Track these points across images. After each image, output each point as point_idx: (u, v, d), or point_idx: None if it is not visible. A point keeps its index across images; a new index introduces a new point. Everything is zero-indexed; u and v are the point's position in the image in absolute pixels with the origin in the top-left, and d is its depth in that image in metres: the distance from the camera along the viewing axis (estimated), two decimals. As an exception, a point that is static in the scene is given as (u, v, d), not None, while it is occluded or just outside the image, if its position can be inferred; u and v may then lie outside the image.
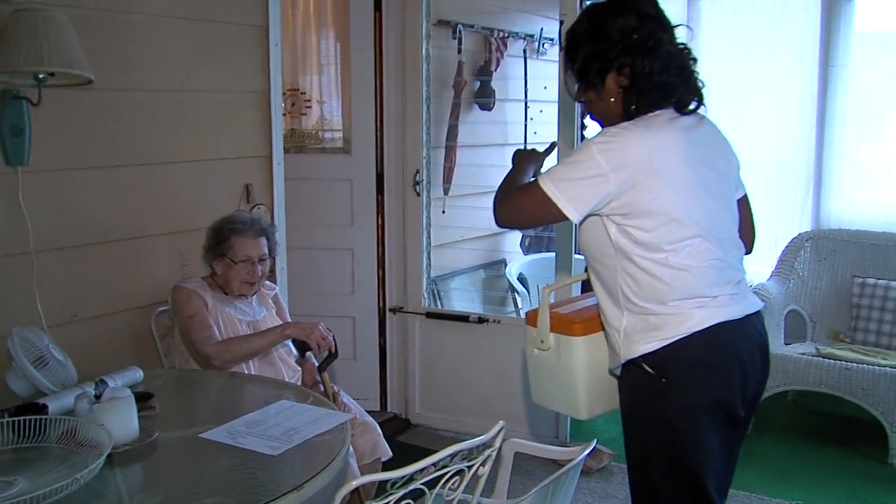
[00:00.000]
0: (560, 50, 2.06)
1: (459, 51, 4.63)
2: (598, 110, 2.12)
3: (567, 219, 1.99)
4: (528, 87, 5.23)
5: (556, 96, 3.93)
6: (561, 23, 3.80)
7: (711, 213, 2.02)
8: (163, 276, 3.21)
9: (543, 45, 5.30)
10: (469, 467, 1.87)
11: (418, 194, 4.39)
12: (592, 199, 1.95)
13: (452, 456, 1.80)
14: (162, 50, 3.16)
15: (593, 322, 2.22)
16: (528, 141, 5.21)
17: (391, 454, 3.01)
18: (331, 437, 2.08)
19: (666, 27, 2.03)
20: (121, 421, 2.03)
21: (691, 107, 2.05)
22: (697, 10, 5.18)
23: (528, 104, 5.25)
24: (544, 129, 5.09)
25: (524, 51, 5.22)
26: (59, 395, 2.24)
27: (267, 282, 3.19)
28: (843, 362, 4.14)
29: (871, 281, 4.51)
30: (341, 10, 4.56)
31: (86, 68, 2.62)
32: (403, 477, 1.71)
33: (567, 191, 1.95)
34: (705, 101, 2.08)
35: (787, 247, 4.76)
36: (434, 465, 1.76)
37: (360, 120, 4.45)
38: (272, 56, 3.55)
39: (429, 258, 4.50)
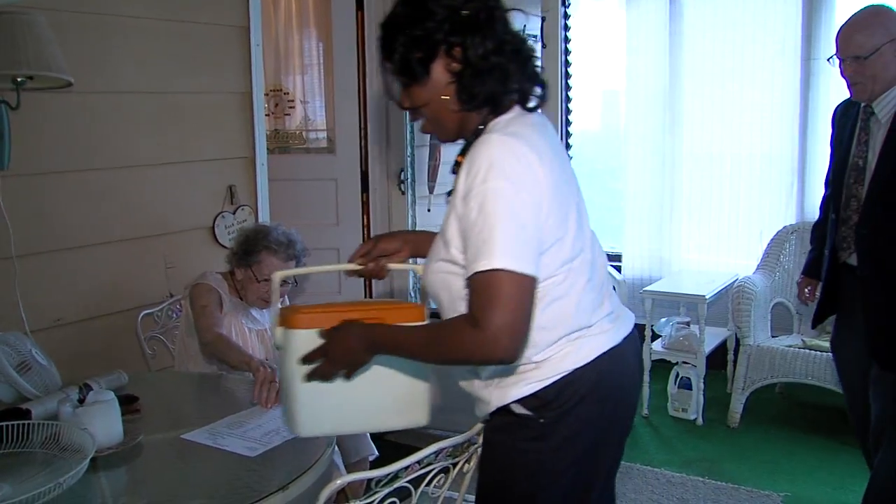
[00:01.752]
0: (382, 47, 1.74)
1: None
2: (428, 113, 1.75)
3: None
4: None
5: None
6: (543, 19, 3.81)
7: (580, 218, 1.75)
8: (147, 279, 3.21)
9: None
10: (454, 464, 1.86)
11: (403, 193, 4.39)
12: (537, 246, 1.62)
13: (437, 453, 1.79)
14: (142, 52, 3.15)
15: (330, 316, 1.79)
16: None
17: (377, 453, 3.01)
18: (313, 441, 2.07)
19: (499, 6, 1.73)
20: (104, 424, 2.03)
21: (533, 103, 1.74)
22: (680, 6, 5.19)
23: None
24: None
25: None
26: (43, 400, 2.23)
27: None
28: (830, 354, 4.15)
29: (856, 272, 4.51)
30: (323, 10, 4.55)
31: (65, 71, 2.61)
32: (388, 475, 1.70)
33: (525, 254, 1.57)
34: (547, 95, 1.77)
35: (772, 240, 4.78)
36: (419, 462, 1.75)
37: (343, 120, 4.45)
38: (254, 57, 3.55)
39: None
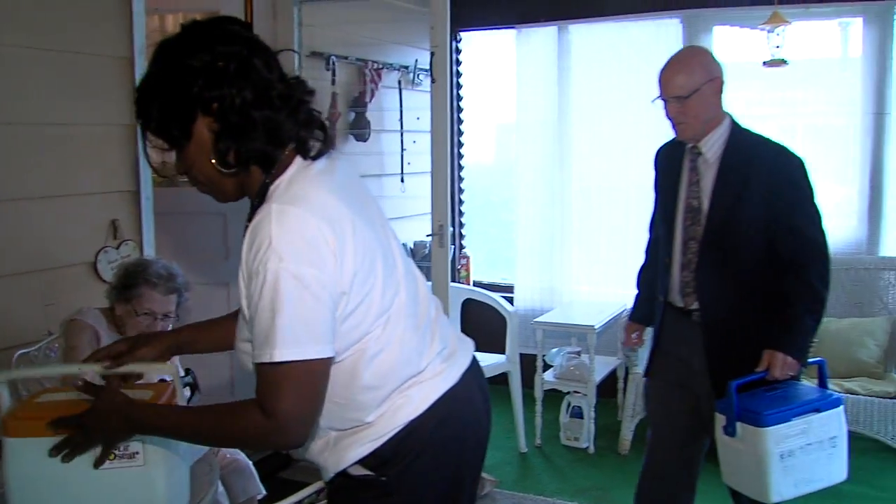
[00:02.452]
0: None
1: (333, 82, 4.62)
2: (201, 177, 1.61)
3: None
4: (403, 117, 5.26)
5: (429, 126, 3.96)
6: (432, 54, 3.84)
7: (388, 262, 1.66)
8: (24, 317, 3.08)
9: (418, 76, 5.35)
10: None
11: (294, 226, 4.33)
12: (331, 321, 1.52)
13: (318, 492, 1.77)
14: (19, 82, 3.05)
15: (43, 423, 1.65)
16: (404, 171, 5.24)
17: (264, 492, 2.95)
18: (197, 481, 2.02)
19: (260, 51, 1.58)
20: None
21: (314, 151, 1.62)
22: (568, 42, 5.32)
23: (404, 134, 5.28)
24: (418, 160, 5.13)
25: (399, 82, 5.25)
26: None
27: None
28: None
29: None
30: (212, 42, 4.49)
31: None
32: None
33: (311, 337, 1.47)
34: (333, 139, 1.69)
35: (657, 270, 4.90)
36: (299, 502, 1.73)
37: (233, 152, 4.37)
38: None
39: (307, 290, 4.43)
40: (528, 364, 4.81)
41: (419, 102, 5.14)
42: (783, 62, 4.44)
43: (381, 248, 1.64)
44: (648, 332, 3.15)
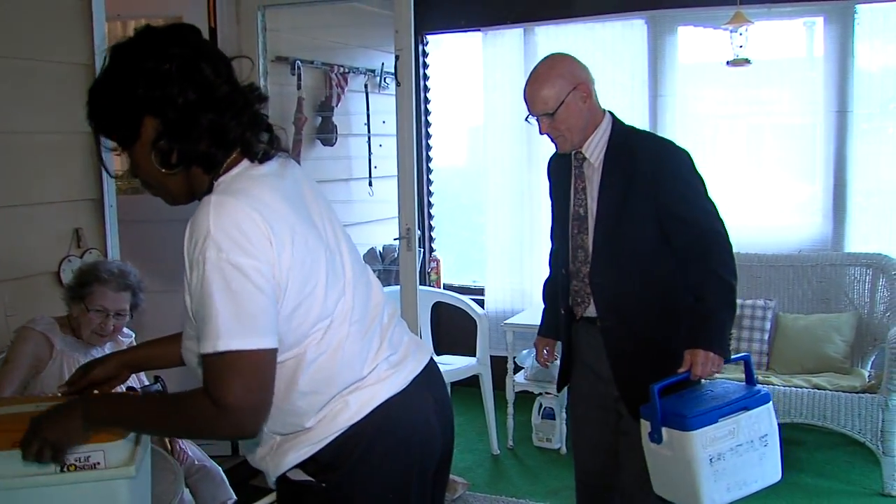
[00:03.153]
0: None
1: (299, 87, 4.60)
2: (149, 178, 1.63)
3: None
4: (370, 121, 5.25)
5: (395, 130, 3.95)
6: (397, 58, 3.84)
7: (333, 266, 1.65)
8: (-15, 327, 3.04)
9: (385, 79, 5.34)
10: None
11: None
12: (273, 312, 1.51)
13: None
14: (-23, 90, 3.01)
15: (2, 436, 1.69)
16: (372, 175, 5.23)
17: (235, 497, 2.93)
18: (160, 489, 2.00)
19: (209, 55, 1.59)
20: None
21: (259, 152, 1.63)
22: (534, 44, 5.34)
23: (371, 138, 5.27)
24: (385, 164, 5.12)
25: (365, 85, 5.24)
26: None
27: (125, 329, 3.06)
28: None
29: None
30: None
31: None
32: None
33: (254, 327, 1.47)
34: (280, 141, 1.70)
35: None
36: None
37: (199, 158, 4.34)
38: (100, 95, 3.43)
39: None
40: (499, 366, 4.81)
41: (386, 106, 5.14)
42: (746, 61, 4.48)
43: (327, 253, 1.64)
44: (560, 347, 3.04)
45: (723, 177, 4.83)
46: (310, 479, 1.64)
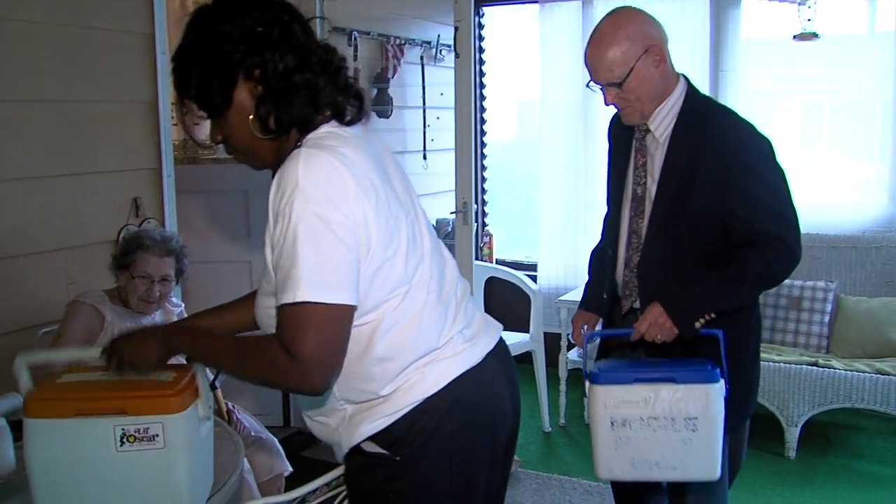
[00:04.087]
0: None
1: (355, 58, 4.56)
2: (240, 144, 1.61)
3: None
4: (426, 93, 5.21)
5: (452, 103, 3.91)
6: (456, 29, 3.78)
7: (414, 232, 1.64)
8: (47, 297, 3.07)
9: (441, 51, 5.28)
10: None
11: (317, 203, 4.29)
12: (355, 270, 1.50)
13: (339, 477, 1.74)
14: (39, 59, 3.02)
15: (67, 403, 1.69)
16: (426, 148, 5.19)
17: (291, 469, 2.94)
18: (220, 460, 2.00)
19: (296, 16, 1.60)
20: (-6, 453, 1.92)
21: (349, 117, 1.62)
22: (592, 17, 5.23)
23: (427, 111, 5.23)
24: (441, 137, 5.08)
25: (421, 57, 5.19)
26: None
27: (174, 299, 3.08)
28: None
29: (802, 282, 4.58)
30: (233, 17, 4.44)
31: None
32: (294, 499, 1.65)
33: (336, 281, 1.46)
34: (368, 110, 1.69)
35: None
36: (327, 485, 1.70)
37: (255, 129, 4.34)
38: (160, 65, 3.43)
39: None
40: (553, 343, 4.77)
41: (441, 78, 5.09)
42: (814, 35, 4.35)
43: (408, 219, 1.62)
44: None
45: (783, 154, 4.69)
46: (383, 451, 1.62)
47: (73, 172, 3.17)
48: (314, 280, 1.43)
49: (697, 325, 2.27)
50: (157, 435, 1.68)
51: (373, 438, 1.62)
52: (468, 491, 1.69)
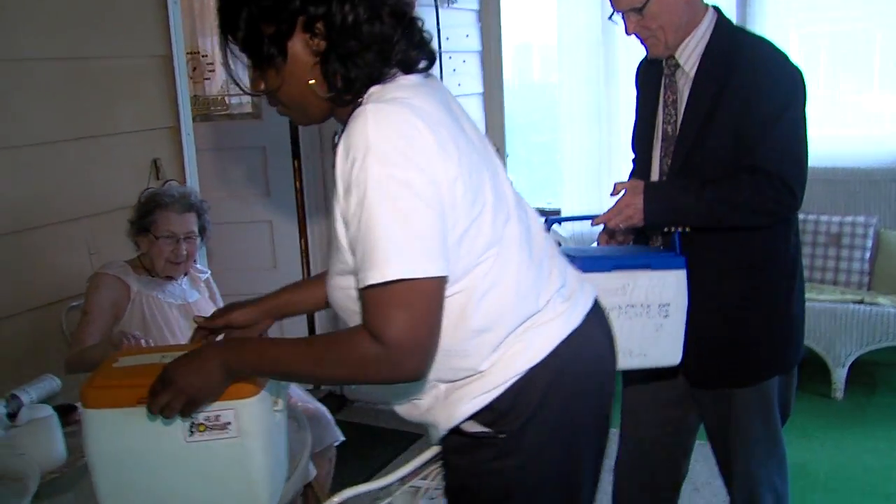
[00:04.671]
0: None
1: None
2: (290, 99, 1.43)
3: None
4: (440, 37, 4.98)
5: (464, 46, 3.71)
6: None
7: (497, 184, 1.46)
8: (69, 268, 2.90)
9: (455, -8, 5.06)
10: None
11: (338, 158, 4.12)
12: (443, 235, 1.32)
13: (434, 458, 1.59)
14: (47, 15, 2.81)
15: (129, 391, 1.50)
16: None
17: (342, 438, 2.81)
18: (289, 438, 1.84)
19: None
20: (45, 445, 1.77)
21: (421, 65, 1.45)
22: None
23: (450, 55, 5.01)
24: (468, 81, 4.88)
25: (435, 0, 4.96)
26: (-37, 420, 1.94)
27: (199, 265, 2.92)
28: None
29: (800, 216, 4.45)
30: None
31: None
32: (388, 485, 1.51)
33: (424, 251, 1.28)
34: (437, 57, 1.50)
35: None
36: (419, 468, 1.56)
37: (268, 81, 4.15)
38: (172, 16, 3.22)
39: (353, 224, 4.24)
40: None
41: (457, 20, 4.87)
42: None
43: (489, 172, 1.44)
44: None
45: (817, 87, 4.54)
46: (487, 429, 1.46)
47: (89, 135, 2.98)
48: (401, 254, 1.26)
49: (666, 228, 2.20)
50: (230, 423, 1.52)
51: (474, 417, 1.46)
52: (576, 464, 1.54)
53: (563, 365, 1.48)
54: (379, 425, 3.95)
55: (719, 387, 2.29)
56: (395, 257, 1.25)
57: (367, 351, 1.29)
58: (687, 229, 2.19)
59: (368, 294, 1.29)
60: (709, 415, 2.38)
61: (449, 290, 1.37)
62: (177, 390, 1.43)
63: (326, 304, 1.60)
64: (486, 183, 1.41)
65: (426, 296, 1.29)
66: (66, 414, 1.97)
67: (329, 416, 2.79)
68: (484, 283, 1.41)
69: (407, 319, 1.27)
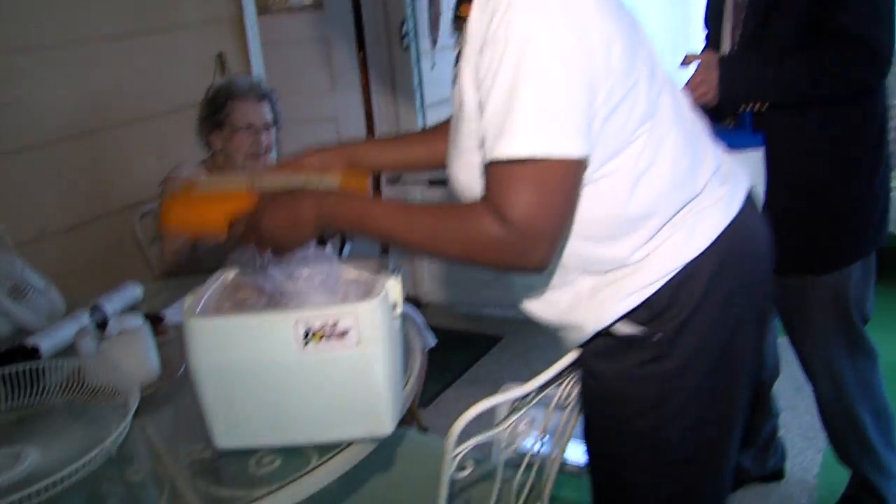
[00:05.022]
0: None
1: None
2: None
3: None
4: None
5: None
6: None
7: (649, 55, 1.27)
8: (140, 170, 2.77)
9: None
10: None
11: (406, 48, 3.89)
12: (589, 110, 1.14)
13: (571, 365, 1.41)
14: None
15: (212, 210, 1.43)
16: None
17: (435, 341, 2.68)
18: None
19: None
20: (139, 358, 1.62)
21: None
22: None
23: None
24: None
25: None
26: (49, 332, 1.81)
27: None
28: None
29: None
30: None
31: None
32: (527, 395, 1.34)
33: (565, 126, 1.11)
34: None
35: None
36: (557, 375, 1.39)
37: (330, -32, 3.92)
38: None
39: (424, 119, 4.04)
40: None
41: None
42: None
43: (641, 40, 1.25)
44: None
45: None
46: (640, 330, 1.29)
47: (149, 30, 2.80)
48: (539, 127, 1.09)
49: (741, 108, 2.03)
50: (349, 329, 1.34)
51: (627, 316, 1.29)
52: (733, 370, 1.36)
53: (726, 255, 1.30)
54: (456, 328, 3.82)
55: (795, 272, 2.10)
56: (532, 130, 1.09)
57: (488, 230, 1.14)
58: (763, 107, 2.00)
59: (495, 169, 1.13)
60: (785, 305, 2.21)
61: (599, 172, 1.20)
62: (262, 237, 1.32)
63: (415, 166, 1.55)
64: (640, 48, 1.23)
65: (562, 178, 1.13)
66: (153, 325, 1.82)
67: (422, 319, 2.64)
68: (639, 163, 1.23)
69: (537, 203, 1.11)
